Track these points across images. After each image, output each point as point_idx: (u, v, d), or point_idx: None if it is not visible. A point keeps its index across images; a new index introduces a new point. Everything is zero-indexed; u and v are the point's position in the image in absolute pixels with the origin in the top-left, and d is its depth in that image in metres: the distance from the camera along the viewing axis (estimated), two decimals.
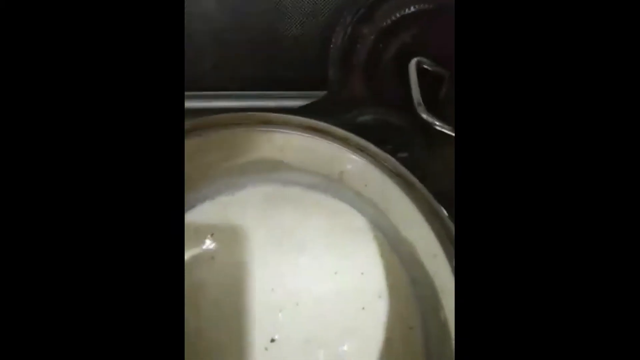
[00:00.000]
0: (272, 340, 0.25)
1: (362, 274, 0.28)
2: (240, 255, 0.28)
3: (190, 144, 0.24)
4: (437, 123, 0.24)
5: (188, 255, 0.27)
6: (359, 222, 0.30)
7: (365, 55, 0.37)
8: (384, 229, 0.29)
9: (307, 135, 0.25)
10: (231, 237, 0.29)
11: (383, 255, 0.29)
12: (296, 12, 0.36)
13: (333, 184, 0.29)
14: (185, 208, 0.29)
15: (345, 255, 0.29)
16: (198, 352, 0.24)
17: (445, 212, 0.21)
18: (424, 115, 0.24)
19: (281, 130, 0.25)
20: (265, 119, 0.25)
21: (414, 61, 0.27)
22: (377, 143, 0.24)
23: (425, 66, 0.27)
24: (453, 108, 0.24)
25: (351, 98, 0.37)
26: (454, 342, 0.21)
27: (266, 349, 0.24)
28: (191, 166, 0.22)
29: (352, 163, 0.25)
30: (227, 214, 0.30)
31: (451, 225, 0.20)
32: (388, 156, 0.23)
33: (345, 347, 0.25)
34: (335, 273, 0.28)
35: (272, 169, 0.30)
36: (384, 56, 0.36)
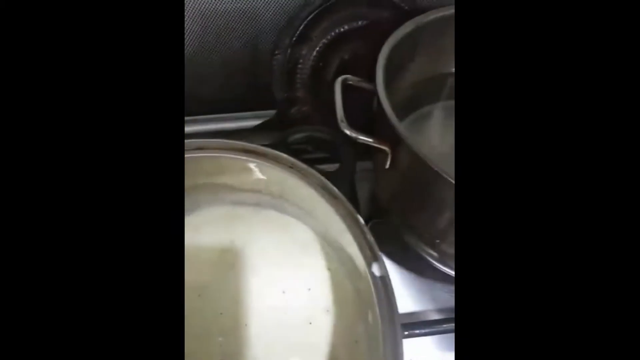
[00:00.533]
0: None
1: (309, 289, 0.28)
2: (194, 280, 0.28)
3: None
4: (360, 137, 0.25)
5: None
6: (306, 235, 0.31)
7: (309, 73, 0.39)
8: (330, 241, 0.30)
9: (242, 157, 0.26)
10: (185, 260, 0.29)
11: (330, 268, 0.29)
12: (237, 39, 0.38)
13: (278, 201, 0.30)
14: None
15: (294, 272, 0.29)
16: None
17: (361, 220, 0.22)
18: (347, 131, 0.25)
19: (216, 154, 0.25)
20: (200, 145, 0.26)
21: (339, 79, 0.28)
22: (310, 159, 0.25)
23: (350, 82, 0.28)
24: (382, 121, 0.25)
25: (297, 115, 0.39)
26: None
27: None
28: None
29: (287, 180, 0.26)
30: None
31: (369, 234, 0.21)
32: (313, 171, 0.24)
33: None
34: (284, 292, 0.28)
35: (221, 191, 0.30)
36: (325, 74, 0.38)
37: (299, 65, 0.38)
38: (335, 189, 0.23)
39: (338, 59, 0.38)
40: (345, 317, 0.27)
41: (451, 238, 0.26)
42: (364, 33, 0.37)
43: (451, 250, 0.27)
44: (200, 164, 0.26)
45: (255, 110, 0.43)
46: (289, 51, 0.37)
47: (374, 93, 0.28)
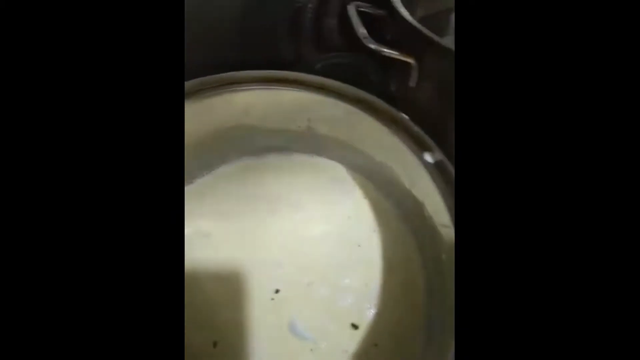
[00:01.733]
0: (277, 291, 0.25)
1: (349, 217, 0.29)
2: (235, 229, 0.28)
3: None
4: (385, 50, 0.25)
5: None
6: (339, 172, 0.31)
7: (311, 23, 0.39)
8: (363, 170, 0.30)
9: (271, 87, 0.26)
10: (222, 214, 0.29)
11: (366, 197, 0.30)
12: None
13: (303, 139, 0.30)
14: None
15: (332, 206, 0.29)
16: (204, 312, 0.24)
17: (404, 115, 0.22)
18: (372, 45, 0.25)
19: (245, 87, 0.25)
20: (228, 79, 0.25)
21: (352, 5, 0.28)
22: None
23: (362, 9, 0.28)
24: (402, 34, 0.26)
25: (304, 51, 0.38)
26: (450, 275, 0.21)
27: (272, 299, 0.25)
28: None
29: (318, 105, 0.26)
30: (208, 194, 0.30)
31: (430, 142, 0.21)
32: (346, 86, 0.24)
33: (347, 281, 0.25)
34: (327, 222, 0.28)
35: (240, 139, 0.30)
36: (329, 11, 0.38)
37: (301, 16, 0.38)
38: (370, 95, 0.23)
39: (339, 3, 0.38)
40: (393, 238, 0.27)
41: None
42: None
43: None
44: (230, 102, 0.26)
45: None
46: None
47: (385, 18, 0.28)
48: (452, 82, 0.24)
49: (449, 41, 0.27)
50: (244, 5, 0.38)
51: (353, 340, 0.23)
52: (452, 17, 0.37)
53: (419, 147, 0.21)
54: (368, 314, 0.24)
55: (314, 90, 0.25)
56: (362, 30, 0.26)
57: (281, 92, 0.25)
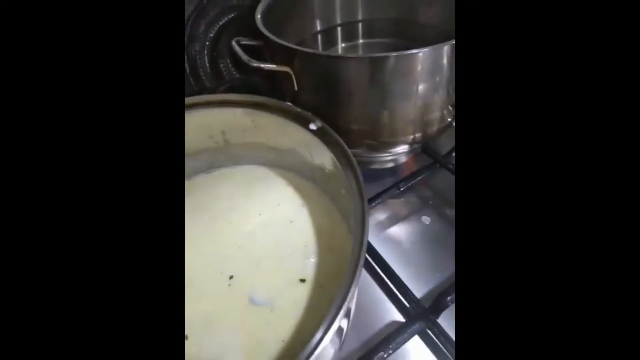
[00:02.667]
0: (231, 277, 0.28)
1: (278, 205, 0.34)
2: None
3: None
4: (265, 65, 0.32)
5: None
6: (259, 171, 0.36)
7: (209, 64, 0.46)
8: (277, 163, 0.36)
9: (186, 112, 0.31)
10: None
11: (289, 185, 0.35)
12: None
13: (223, 153, 0.35)
14: None
15: (263, 199, 0.34)
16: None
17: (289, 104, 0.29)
18: (255, 64, 0.32)
19: None
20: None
21: (234, 41, 0.36)
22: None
23: (243, 42, 0.36)
24: (274, 52, 0.34)
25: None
26: None
27: (229, 285, 0.28)
28: None
29: (227, 117, 0.31)
30: None
31: (310, 116, 0.27)
32: (247, 95, 0.30)
33: (288, 250, 0.30)
34: (260, 214, 0.33)
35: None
36: (222, 55, 0.45)
37: (199, 60, 0.44)
38: (263, 97, 0.30)
39: (227, 46, 0.46)
40: (315, 204, 0.33)
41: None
42: (240, 20, 0.45)
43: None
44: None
45: None
46: (184, 50, 0.43)
47: (261, 46, 0.36)
48: (321, 74, 0.32)
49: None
50: None
51: (304, 290, 0.27)
52: (319, 37, 0.48)
53: (305, 121, 0.28)
54: (310, 267, 0.29)
55: (221, 106, 0.30)
56: (245, 57, 0.33)
57: (194, 114, 0.30)
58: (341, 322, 0.18)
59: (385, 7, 0.47)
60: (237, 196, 0.34)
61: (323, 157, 0.28)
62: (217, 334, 0.26)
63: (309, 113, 0.28)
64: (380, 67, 0.30)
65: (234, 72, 0.47)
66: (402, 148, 0.41)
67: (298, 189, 0.35)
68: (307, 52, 0.32)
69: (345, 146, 0.25)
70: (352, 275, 0.19)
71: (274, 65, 0.33)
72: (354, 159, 0.25)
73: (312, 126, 0.27)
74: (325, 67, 0.32)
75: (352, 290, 0.18)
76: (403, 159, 0.45)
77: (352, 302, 0.19)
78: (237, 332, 0.26)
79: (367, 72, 0.31)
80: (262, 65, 0.32)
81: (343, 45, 0.49)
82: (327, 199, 0.33)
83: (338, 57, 0.32)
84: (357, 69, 0.31)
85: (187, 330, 0.26)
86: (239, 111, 0.30)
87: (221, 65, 0.46)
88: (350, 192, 0.24)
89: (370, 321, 0.31)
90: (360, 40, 0.49)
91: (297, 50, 0.32)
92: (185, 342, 0.25)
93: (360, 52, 0.49)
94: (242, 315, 0.26)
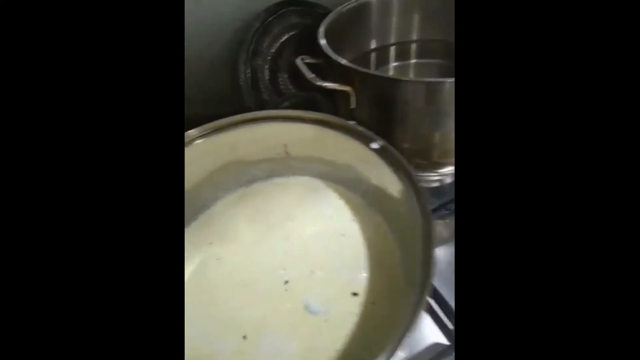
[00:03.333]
0: (286, 282, 0.30)
1: (330, 217, 0.35)
2: (241, 247, 0.34)
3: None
4: (326, 84, 0.34)
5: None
6: (315, 184, 0.38)
7: (269, 77, 0.49)
8: (333, 177, 0.37)
9: (251, 125, 0.33)
10: (227, 238, 0.34)
11: (341, 197, 0.37)
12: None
13: (282, 164, 0.37)
14: None
15: (316, 210, 0.36)
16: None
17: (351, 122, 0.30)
18: (319, 83, 0.34)
19: (229, 130, 0.33)
20: (214, 126, 0.33)
21: (298, 59, 0.38)
22: None
23: (306, 61, 0.38)
24: (336, 71, 0.36)
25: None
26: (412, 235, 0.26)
27: (286, 290, 0.30)
28: None
29: (290, 131, 0.34)
30: (213, 224, 0.35)
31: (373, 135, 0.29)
32: (311, 112, 0.32)
33: (340, 262, 0.31)
34: (314, 225, 0.35)
35: (231, 174, 0.37)
36: (282, 68, 0.48)
37: (260, 74, 0.47)
38: (327, 115, 0.31)
39: (287, 62, 0.49)
40: (366, 219, 0.34)
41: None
42: (300, 37, 0.48)
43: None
44: (218, 143, 0.33)
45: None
46: (248, 64, 0.46)
47: (322, 65, 0.38)
48: (380, 95, 0.34)
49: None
50: (210, 68, 0.47)
51: (355, 304, 0.28)
52: (372, 55, 0.49)
53: (367, 139, 0.29)
54: (362, 281, 0.30)
55: (286, 121, 0.33)
56: (309, 74, 0.35)
57: (259, 127, 0.33)
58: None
59: (440, 29, 0.48)
60: (292, 206, 0.36)
61: (382, 175, 0.29)
62: (272, 337, 0.27)
63: (372, 132, 0.29)
64: (437, 91, 0.31)
65: (290, 87, 0.50)
66: (450, 169, 0.41)
67: (349, 202, 0.36)
68: (369, 74, 0.33)
69: (409, 167, 0.26)
70: (412, 319, 0.19)
71: (337, 85, 0.35)
72: (417, 181, 0.26)
73: (374, 145, 0.29)
74: (385, 88, 0.33)
75: (409, 333, 0.19)
76: (448, 180, 0.45)
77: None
78: (291, 337, 0.27)
79: (424, 95, 0.32)
80: (324, 84, 0.34)
81: (395, 64, 0.50)
82: (376, 214, 0.34)
83: (398, 80, 0.33)
84: (415, 92, 0.32)
85: (246, 331, 0.28)
86: (303, 127, 0.32)
87: (280, 79, 0.49)
88: (413, 215, 0.24)
89: (413, 342, 0.31)
90: (413, 60, 0.50)
91: (360, 71, 0.33)
92: (243, 341, 0.27)
93: (411, 72, 0.50)
94: (297, 321, 0.28)
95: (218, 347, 0.27)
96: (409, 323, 0.19)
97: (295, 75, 0.50)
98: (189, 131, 0.32)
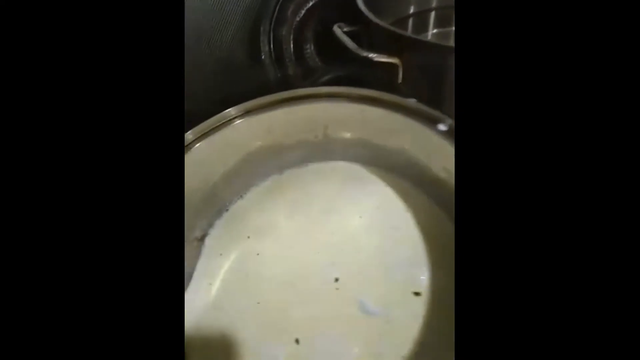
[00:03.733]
0: (337, 280, 0.27)
1: (377, 208, 0.32)
2: (280, 242, 0.30)
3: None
4: (372, 55, 0.30)
5: None
6: (357, 170, 0.34)
7: (293, 48, 0.44)
8: (378, 162, 0.34)
9: (290, 105, 0.29)
10: (263, 232, 0.31)
11: (389, 184, 0.33)
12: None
13: (318, 148, 0.34)
14: None
15: (361, 200, 0.32)
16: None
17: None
18: (364, 54, 0.30)
19: (265, 110, 0.29)
20: (249, 107, 0.29)
21: (335, 26, 0.33)
22: None
23: (344, 29, 0.33)
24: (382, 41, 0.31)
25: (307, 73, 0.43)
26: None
27: (337, 289, 0.27)
28: None
29: (333, 111, 0.30)
30: (246, 217, 0.32)
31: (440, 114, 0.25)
32: (356, 88, 0.28)
33: (395, 259, 0.28)
34: (360, 217, 0.31)
35: (264, 160, 0.33)
36: (308, 38, 0.43)
37: (284, 46, 0.42)
38: (375, 91, 0.27)
39: (312, 31, 0.43)
40: (422, 212, 0.31)
41: None
42: (328, 3, 0.43)
43: None
44: (253, 124, 0.29)
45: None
46: (271, 34, 0.41)
47: (360, 33, 0.34)
48: (433, 67, 0.29)
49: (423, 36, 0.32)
50: (229, 41, 0.42)
51: (419, 305, 0.26)
52: (410, 21, 0.44)
53: (431, 121, 0.25)
54: (424, 280, 0.27)
55: (327, 99, 0.28)
56: (352, 44, 0.31)
57: (299, 107, 0.29)
58: None
59: None
60: (333, 195, 0.33)
61: (450, 160, 0.25)
62: (328, 340, 0.25)
63: (438, 111, 0.25)
64: None
65: (317, 60, 0.45)
66: None
67: (398, 190, 0.32)
68: (424, 42, 0.29)
69: None
70: None
71: (384, 55, 0.30)
72: None
73: (442, 127, 0.25)
74: (441, 58, 0.29)
75: None
76: None
77: None
78: (350, 340, 0.25)
79: None
80: (371, 55, 0.30)
81: (434, 31, 0.45)
82: (434, 205, 0.31)
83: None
84: None
85: (297, 334, 0.25)
86: (349, 106, 0.28)
87: (306, 52, 0.44)
88: None
89: None
90: (454, 27, 0.45)
91: (411, 38, 0.29)
92: (297, 345, 0.25)
93: (453, 41, 0.45)
94: (354, 323, 0.25)
95: (270, 352, 0.25)
96: None
97: (324, 46, 0.45)
98: (227, 110, 0.28)
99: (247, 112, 0.28)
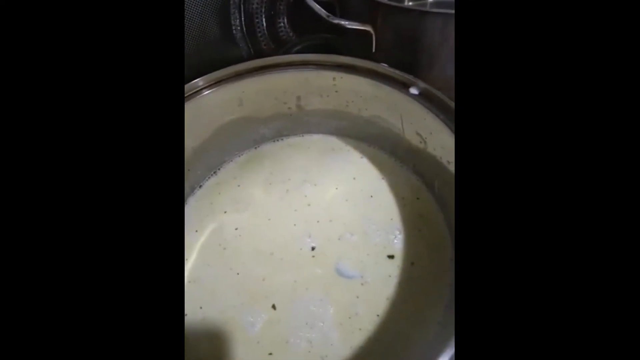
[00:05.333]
0: (313, 249, 0.28)
1: (354, 178, 0.32)
2: (258, 216, 0.30)
3: None
4: (345, 22, 0.29)
5: None
6: (333, 142, 0.34)
7: (266, 24, 0.42)
8: (353, 133, 0.34)
9: (261, 74, 0.28)
10: (242, 207, 0.31)
11: (365, 154, 0.33)
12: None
13: (293, 121, 0.33)
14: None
15: (337, 172, 0.32)
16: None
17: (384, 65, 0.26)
18: (335, 21, 0.29)
19: (236, 80, 0.28)
20: (219, 77, 0.28)
21: None
22: None
23: None
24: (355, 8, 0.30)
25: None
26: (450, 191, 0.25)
27: (313, 256, 0.27)
28: None
29: (305, 81, 0.29)
30: (222, 193, 0.32)
31: (412, 78, 0.25)
32: (328, 55, 0.28)
33: (371, 225, 0.29)
34: (337, 187, 0.31)
35: (236, 134, 0.32)
36: (281, 11, 0.42)
37: (256, 19, 0.41)
38: (348, 57, 0.27)
39: (284, 3, 0.42)
40: (397, 178, 0.31)
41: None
42: None
43: None
44: (224, 97, 0.28)
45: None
46: (241, 7, 0.40)
47: (332, 2, 0.33)
48: (406, 32, 0.29)
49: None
50: (198, 15, 0.40)
51: (393, 266, 0.26)
52: None
53: (403, 85, 0.25)
54: (398, 243, 0.27)
55: (300, 67, 0.28)
56: (323, 12, 0.30)
57: (270, 77, 0.28)
58: None
59: None
60: (309, 168, 0.33)
61: (423, 125, 0.26)
62: (305, 303, 0.25)
63: (410, 76, 0.25)
64: None
65: (291, 34, 0.44)
66: None
67: (374, 160, 0.33)
68: (397, 7, 0.28)
69: None
70: None
71: (356, 23, 0.30)
72: None
73: (413, 90, 0.25)
74: (414, 24, 0.29)
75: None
76: None
77: None
78: (326, 303, 0.25)
79: None
80: (343, 22, 0.29)
81: (410, 3, 0.45)
82: (408, 169, 0.31)
83: (431, 13, 0.28)
84: (447, 26, 0.28)
85: (274, 300, 0.25)
86: (322, 74, 0.28)
87: (279, 25, 0.43)
88: None
89: None
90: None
91: (383, 4, 0.28)
92: (274, 311, 0.25)
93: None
94: (331, 287, 0.26)
95: (247, 319, 0.25)
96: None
97: (297, 19, 0.44)
98: (194, 81, 0.27)
99: (216, 83, 0.27)
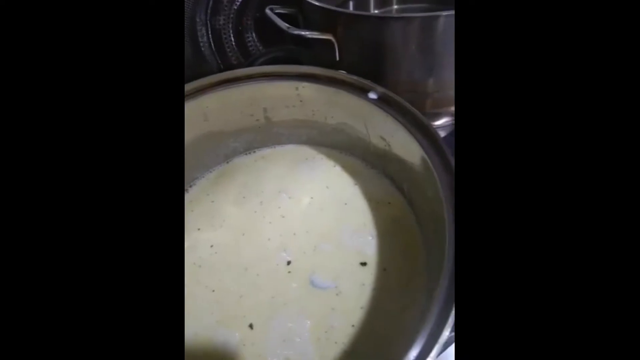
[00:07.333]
0: (289, 263, 0.27)
1: (327, 187, 0.32)
2: (233, 230, 0.30)
3: None
4: (305, 32, 0.30)
5: None
6: (304, 151, 0.34)
7: (235, 40, 0.43)
8: (323, 141, 0.33)
9: (224, 88, 0.28)
10: (216, 223, 0.30)
11: (337, 162, 0.33)
12: None
13: (263, 133, 0.33)
14: None
15: (310, 181, 0.32)
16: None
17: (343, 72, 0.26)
18: (296, 32, 0.29)
19: (199, 95, 0.28)
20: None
21: (267, 9, 0.33)
22: None
23: (276, 11, 0.33)
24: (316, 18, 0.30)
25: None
26: (419, 192, 0.24)
27: (289, 272, 0.27)
28: None
29: (269, 92, 0.29)
30: (195, 211, 0.31)
31: (369, 83, 0.25)
32: (290, 66, 0.28)
33: (345, 234, 0.28)
34: (312, 197, 0.31)
35: (205, 150, 0.32)
36: (249, 25, 0.42)
37: (224, 35, 0.41)
38: (309, 66, 0.27)
39: (251, 18, 0.42)
40: (369, 183, 0.31)
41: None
42: None
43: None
44: (187, 111, 0.28)
45: None
46: (208, 24, 0.40)
47: (295, 14, 0.33)
48: (368, 39, 0.29)
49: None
50: None
51: (366, 274, 0.26)
52: (351, 4, 0.44)
53: (362, 91, 0.25)
54: (370, 250, 0.27)
55: (262, 79, 0.28)
56: (283, 24, 0.30)
57: (232, 91, 0.28)
58: None
59: None
60: (283, 179, 0.32)
61: (384, 128, 0.26)
62: (282, 320, 0.25)
63: (368, 81, 0.25)
64: (431, 27, 0.27)
65: (260, 47, 0.44)
66: (445, 121, 0.38)
67: (346, 167, 0.32)
68: (355, 15, 0.29)
69: (418, 113, 0.23)
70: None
71: (316, 32, 0.30)
72: (431, 126, 0.22)
73: (372, 95, 0.25)
74: (373, 31, 0.29)
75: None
76: (443, 134, 0.43)
77: None
78: (303, 317, 0.24)
79: (417, 34, 0.28)
80: (303, 33, 0.30)
81: (376, 12, 0.45)
82: (379, 174, 0.31)
83: (388, 19, 0.29)
84: (406, 31, 0.28)
85: (251, 319, 0.25)
86: (284, 85, 0.28)
87: (248, 39, 0.43)
88: (427, 168, 0.21)
89: None
90: (395, 6, 0.46)
91: (344, 13, 0.29)
92: (251, 331, 0.24)
93: None
94: (306, 301, 0.25)
95: (223, 339, 0.24)
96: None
97: (264, 33, 0.45)
98: None
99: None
